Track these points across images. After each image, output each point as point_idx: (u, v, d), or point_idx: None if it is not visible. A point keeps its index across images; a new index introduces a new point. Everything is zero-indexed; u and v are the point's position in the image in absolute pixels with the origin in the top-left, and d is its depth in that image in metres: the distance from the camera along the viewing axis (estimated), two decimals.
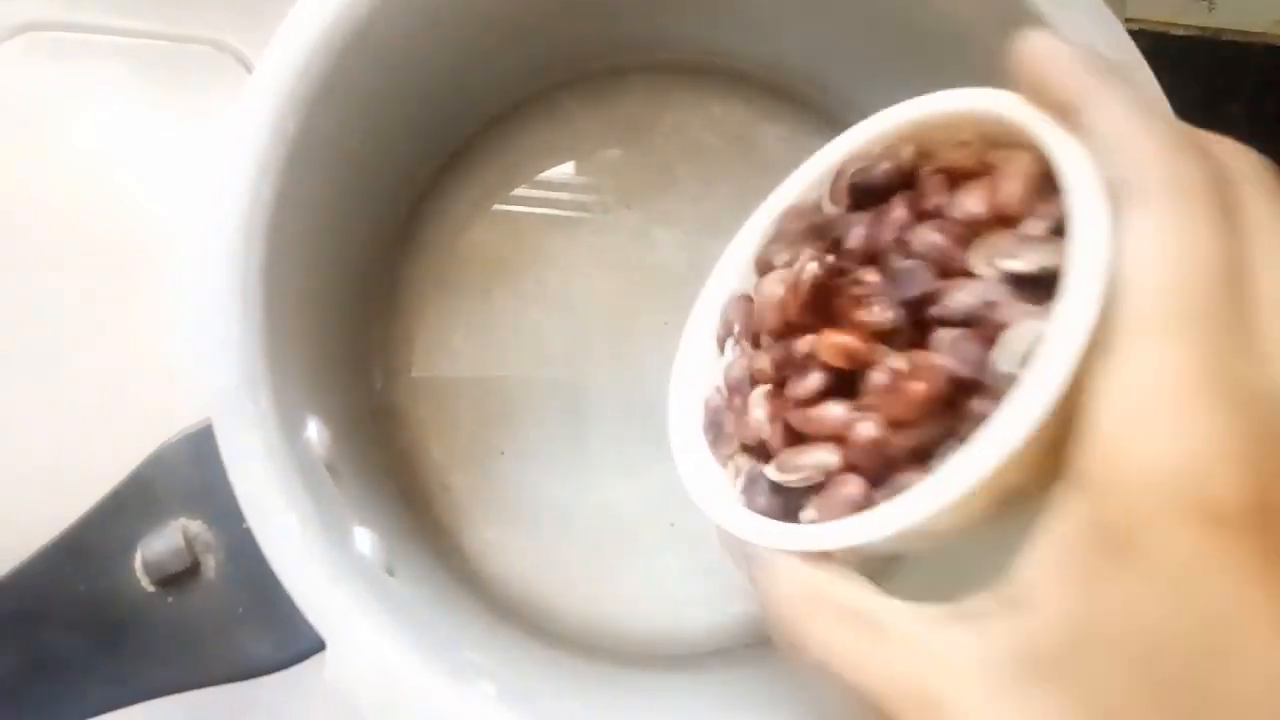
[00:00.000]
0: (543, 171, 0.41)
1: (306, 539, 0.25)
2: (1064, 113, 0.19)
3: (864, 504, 0.20)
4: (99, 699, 0.27)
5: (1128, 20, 0.48)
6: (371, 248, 0.36)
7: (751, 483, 0.22)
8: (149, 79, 0.43)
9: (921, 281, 0.20)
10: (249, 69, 0.43)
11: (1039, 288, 0.19)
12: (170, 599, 0.27)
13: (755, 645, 0.38)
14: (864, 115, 0.23)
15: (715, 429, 0.24)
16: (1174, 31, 0.49)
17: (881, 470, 0.20)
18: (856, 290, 0.21)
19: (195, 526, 0.27)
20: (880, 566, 0.27)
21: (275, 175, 0.27)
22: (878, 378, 0.20)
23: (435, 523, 0.38)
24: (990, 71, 0.21)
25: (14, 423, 0.39)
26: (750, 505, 0.22)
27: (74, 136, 0.43)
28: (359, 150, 0.30)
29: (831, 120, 0.40)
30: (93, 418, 0.38)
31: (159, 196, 0.42)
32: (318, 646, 0.26)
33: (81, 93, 0.43)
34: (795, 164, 0.24)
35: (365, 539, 0.29)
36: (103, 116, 0.43)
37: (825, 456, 0.21)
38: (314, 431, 0.29)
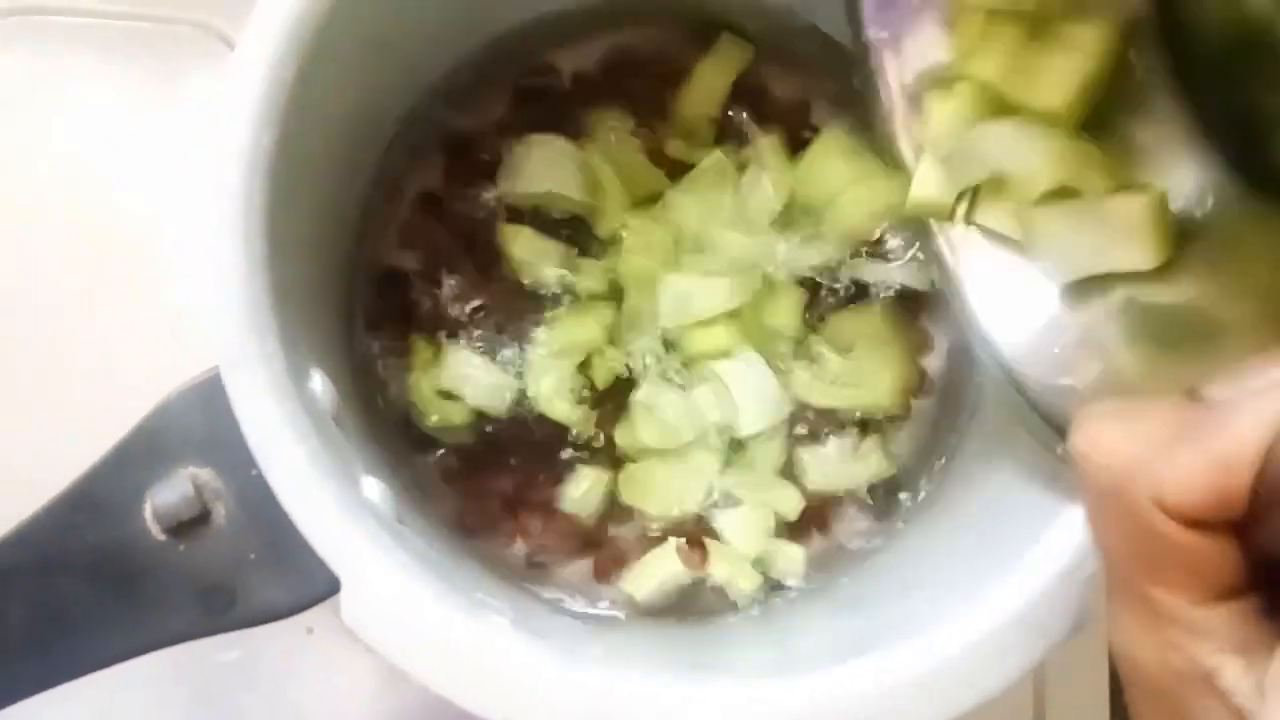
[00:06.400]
0: None
1: (317, 477, 0.25)
2: None
3: None
4: (113, 647, 0.27)
5: None
6: (370, 195, 0.36)
7: None
8: (132, 61, 0.44)
9: None
10: (233, 49, 0.44)
11: None
12: (181, 547, 0.27)
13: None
14: None
15: None
16: None
17: None
18: None
19: (204, 475, 0.27)
20: None
21: (275, 123, 0.27)
22: None
23: (431, 483, 0.38)
24: None
25: (20, 380, 0.39)
26: None
27: (58, 120, 0.43)
28: (356, 96, 0.30)
29: None
30: (99, 373, 0.38)
31: (146, 176, 0.42)
32: (329, 591, 0.27)
33: (64, 76, 0.43)
34: None
35: (374, 488, 0.29)
36: (86, 98, 0.43)
37: None
38: (318, 383, 0.29)
